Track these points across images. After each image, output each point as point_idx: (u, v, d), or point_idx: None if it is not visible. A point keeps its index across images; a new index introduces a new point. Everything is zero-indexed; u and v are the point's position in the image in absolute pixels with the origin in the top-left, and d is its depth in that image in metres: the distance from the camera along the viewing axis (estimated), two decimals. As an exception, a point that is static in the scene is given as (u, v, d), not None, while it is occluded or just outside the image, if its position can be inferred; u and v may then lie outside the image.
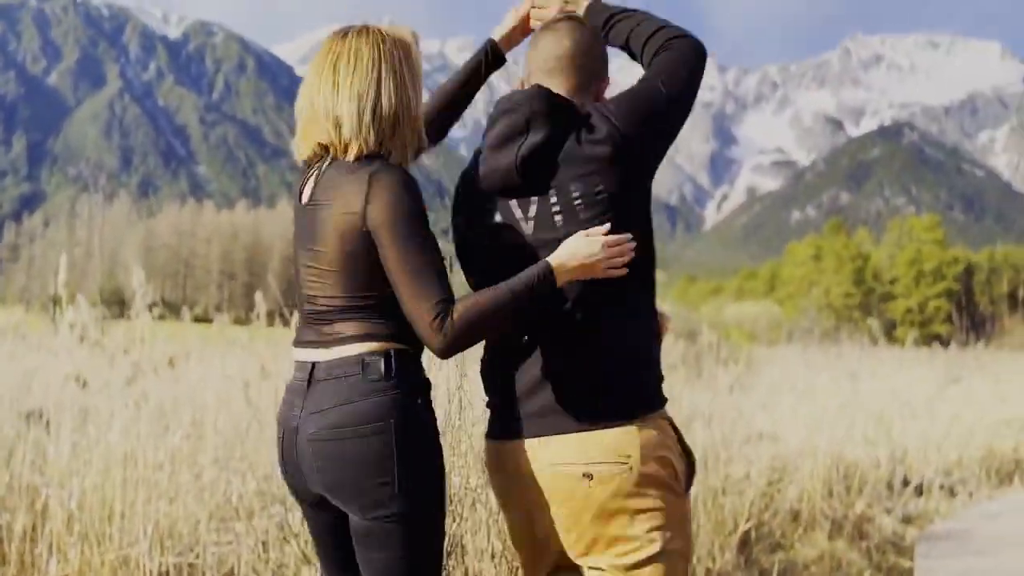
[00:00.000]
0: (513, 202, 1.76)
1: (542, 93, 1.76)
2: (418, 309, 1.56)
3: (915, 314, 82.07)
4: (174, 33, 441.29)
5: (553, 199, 1.71)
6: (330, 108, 1.69)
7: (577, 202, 1.70)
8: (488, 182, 1.80)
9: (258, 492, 3.46)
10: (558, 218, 1.71)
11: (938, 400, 8.67)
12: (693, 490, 3.83)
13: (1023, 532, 4.22)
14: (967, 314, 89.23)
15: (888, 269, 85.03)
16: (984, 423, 7.91)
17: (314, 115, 1.73)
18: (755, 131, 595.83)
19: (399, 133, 1.71)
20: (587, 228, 1.66)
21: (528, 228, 1.73)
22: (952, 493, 6.46)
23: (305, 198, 1.83)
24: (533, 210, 1.74)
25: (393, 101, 1.70)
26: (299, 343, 1.75)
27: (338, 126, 1.69)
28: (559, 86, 1.82)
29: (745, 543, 4.06)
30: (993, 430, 7.83)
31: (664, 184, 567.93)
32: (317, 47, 1.73)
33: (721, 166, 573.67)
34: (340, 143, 1.69)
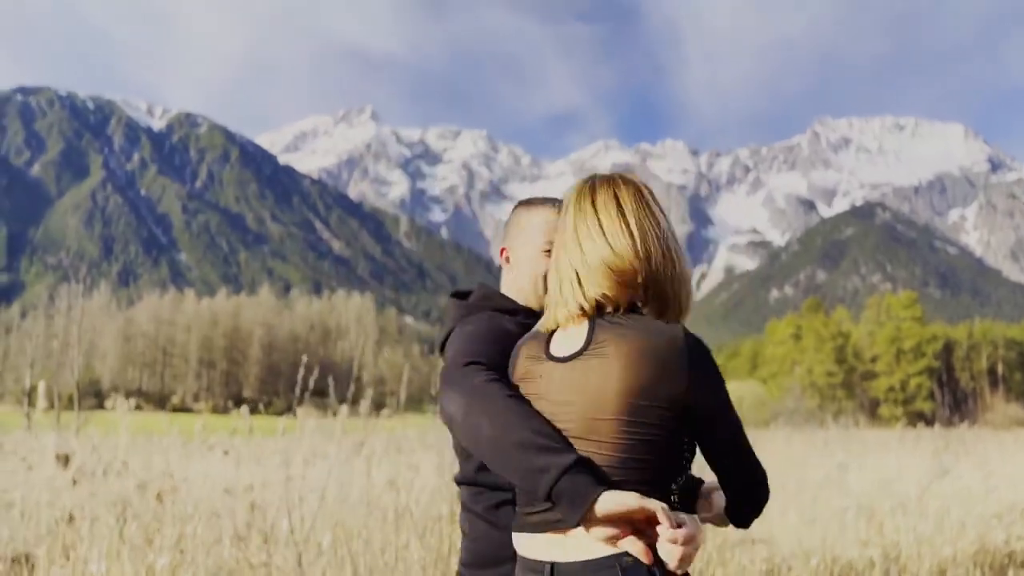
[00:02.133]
0: None
1: None
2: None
3: (897, 392, 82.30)
4: (158, 124, 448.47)
5: None
6: None
7: None
8: None
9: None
10: None
11: (929, 493, 8.62)
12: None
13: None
14: (949, 391, 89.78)
15: (868, 347, 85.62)
16: (975, 515, 7.84)
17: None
18: (729, 212, 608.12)
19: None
20: None
21: None
22: (947, 592, 6.36)
23: None
24: None
25: None
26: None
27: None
28: None
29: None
30: (985, 522, 7.75)
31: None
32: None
33: (699, 246, 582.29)
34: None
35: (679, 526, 1.40)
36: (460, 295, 1.93)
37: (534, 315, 1.79)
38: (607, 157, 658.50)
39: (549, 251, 1.80)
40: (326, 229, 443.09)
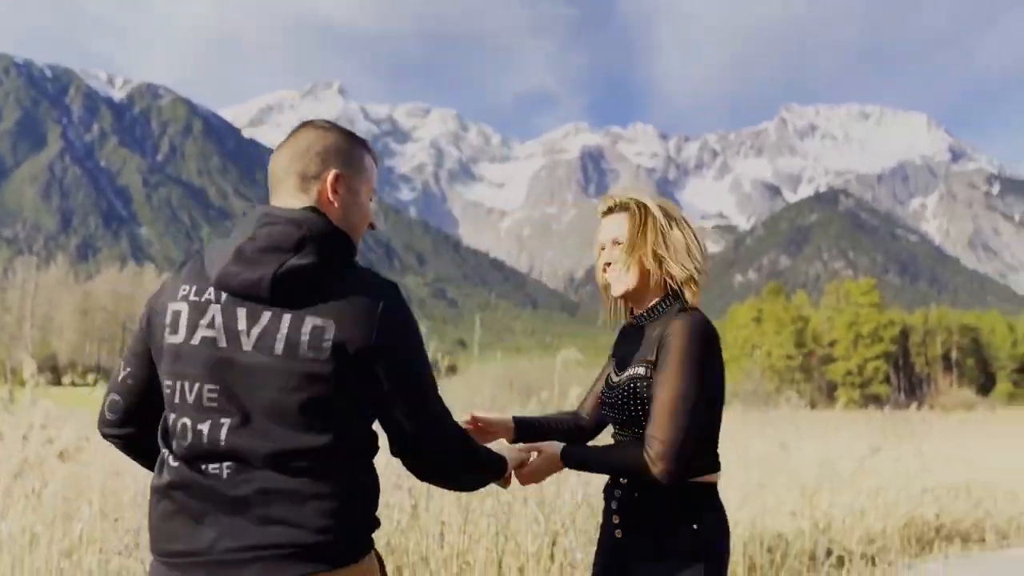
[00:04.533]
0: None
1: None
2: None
3: (854, 376, 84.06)
4: (119, 95, 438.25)
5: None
6: None
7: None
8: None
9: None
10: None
11: (864, 468, 8.89)
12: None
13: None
14: (904, 375, 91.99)
15: (827, 332, 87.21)
16: (908, 491, 8.12)
17: None
18: (697, 196, 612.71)
19: None
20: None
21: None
22: (873, 563, 6.59)
23: None
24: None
25: None
26: None
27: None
28: None
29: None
30: (916, 498, 8.04)
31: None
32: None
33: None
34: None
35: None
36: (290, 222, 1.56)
37: None
38: (577, 139, 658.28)
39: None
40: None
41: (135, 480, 4.94)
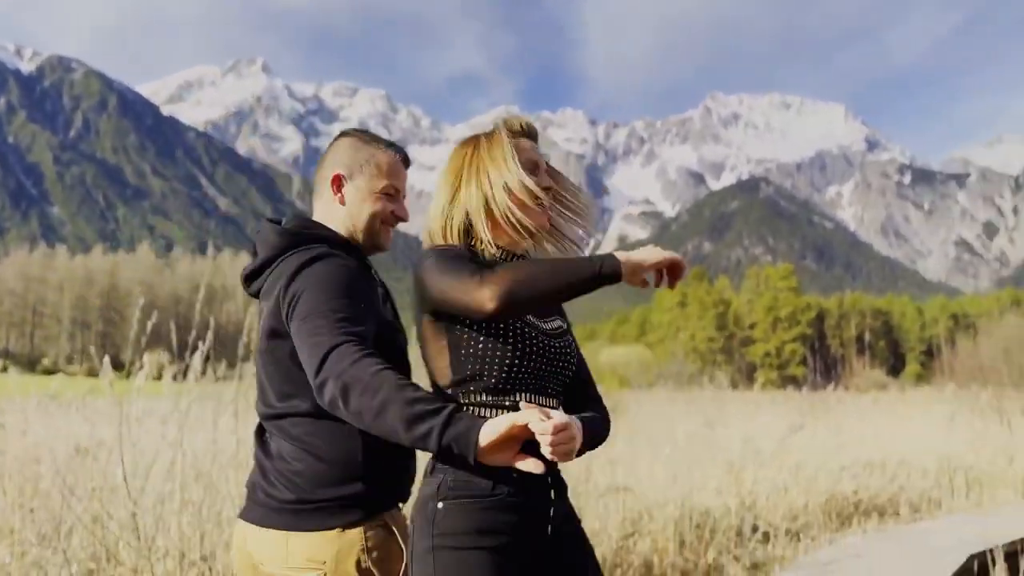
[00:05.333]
0: None
1: None
2: None
3: (773, 357, 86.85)
4: (28, 67, 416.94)
5: None
6: None
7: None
8: None
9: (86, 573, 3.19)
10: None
11: (786, 447, 9.13)
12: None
13: (855, 577, 4.45)
14: (820, 357, 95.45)
15: (747, 315, 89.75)
16: (827, 468, 8.37)
17: None
18: (624, 183, 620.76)
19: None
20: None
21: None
22: (797, 538, 6.76)
23: None
24: None
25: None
26: None
27: None
28: None
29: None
30: (835, 475, 8.29)
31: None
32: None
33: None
34: None
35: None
36: (277, 222, 1.85)
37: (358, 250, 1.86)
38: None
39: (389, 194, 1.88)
40: (212, 185, 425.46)
41: (54, 468, 4.66)
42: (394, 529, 1.72)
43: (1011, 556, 5.16)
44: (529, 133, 1.77)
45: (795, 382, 55.88)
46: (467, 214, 1.65)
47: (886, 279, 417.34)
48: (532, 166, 1.70)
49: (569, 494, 1.60)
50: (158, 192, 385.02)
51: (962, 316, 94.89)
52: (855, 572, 4.60)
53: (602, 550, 4.23)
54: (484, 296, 1.45)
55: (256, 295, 1.84)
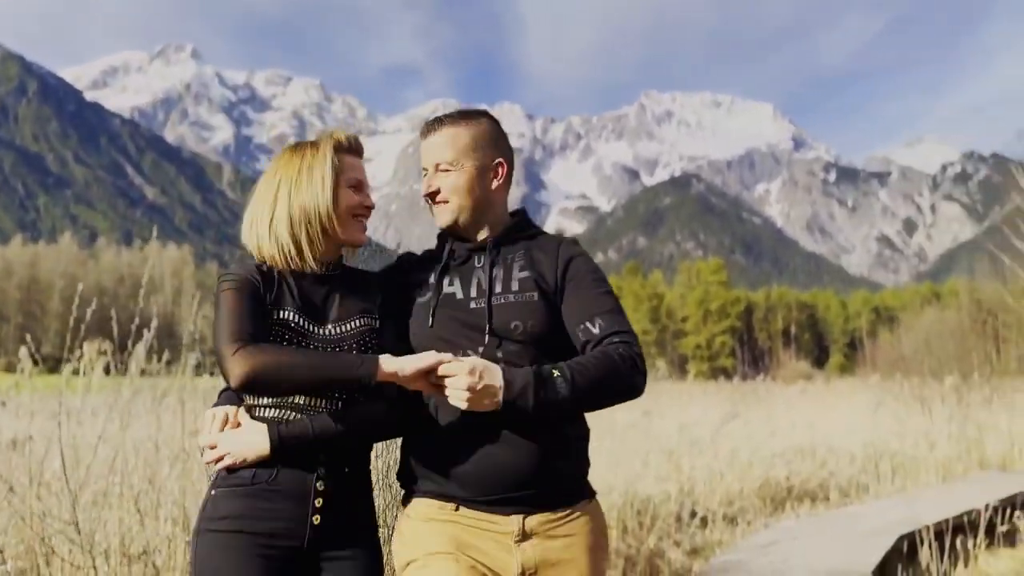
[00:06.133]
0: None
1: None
2: None
3: (703, 349, 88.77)
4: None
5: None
6: None
7: None
8: None
9: None
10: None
11: (721, 435, 9.36)
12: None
13: (792, 561, 4.59)
14: (748, 349, 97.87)
15: (680, 308, 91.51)
16: (760, 455, 8.62)
17: None
18: (561, 178, 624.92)
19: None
20: None
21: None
22: (733, 523, 6.95)
23: None
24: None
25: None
26: None
27: None
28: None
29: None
30: (768, 461, 8.54)
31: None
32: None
33: (532, 209, 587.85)
34: None
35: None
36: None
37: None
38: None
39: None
40: (138, 174, 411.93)
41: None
42: None
43: (938, 536, 5.41)
44: (356, 149, 1.86)
45: (725, 373, 57.25)
46: (291, 223, 1.75)
47: (811, 274, 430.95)
48: (357, 184, 1.81)
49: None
50: (81, 181, 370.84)
51: (883, 309, 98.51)
52: (792, 554, 4.76)
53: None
54: (232, 370, 1.57)
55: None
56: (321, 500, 1.67)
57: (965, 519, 5.91)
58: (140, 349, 3.93)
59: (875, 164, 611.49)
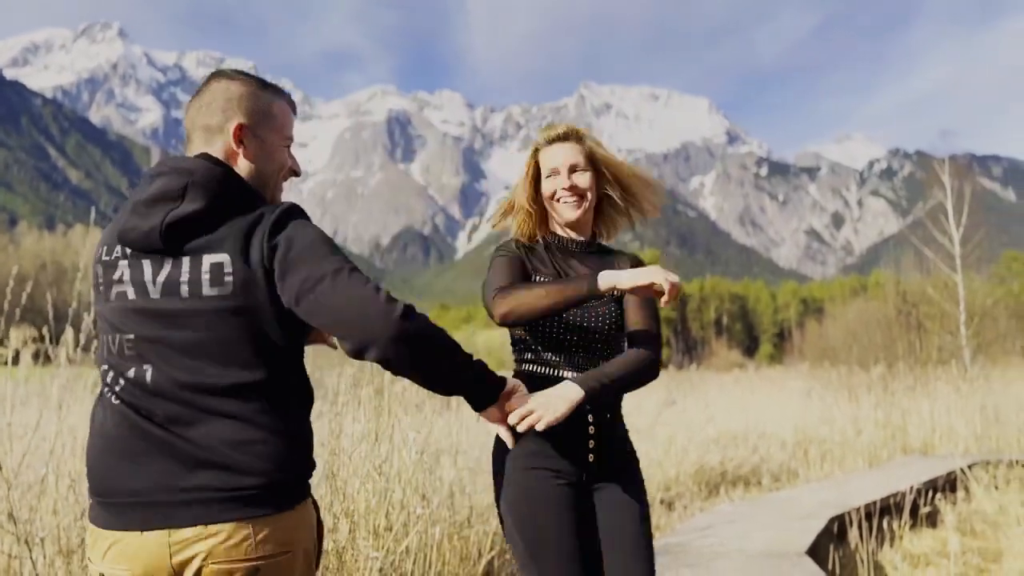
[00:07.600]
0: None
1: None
2: None
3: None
4: None
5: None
6: None
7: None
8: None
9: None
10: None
11: (658, 422, 9.53)
12: (440, 525, 3.82)
13: (729, 544, 4.71)
14: (682, 338, 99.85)
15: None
16: (696, 441, 8.82)
17: None
18: (501, 167, 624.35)
19: None
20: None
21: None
22: (670, 507, 7.10)
23: None
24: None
25: None
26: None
27: None
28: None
29: (489, 573, 4.14)
30: (703, 447, 8.74)
31: (418, 214, 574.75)
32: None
33: (472, 198, 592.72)
34: None
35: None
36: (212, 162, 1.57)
37: None
38: (384, 102, 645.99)
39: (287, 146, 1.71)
40: (62, 156, 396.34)
41: None
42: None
43: (867, 517, 5.62)
44: (566, 137, 2.20)
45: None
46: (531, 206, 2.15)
47: (743, 266, 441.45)
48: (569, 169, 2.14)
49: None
50: (0, 162, 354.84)
51: (811, 300, 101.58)
52: (729, 537, 4.88)
53: (485, 528, 4.28)
54: (494, 310, 1.91)
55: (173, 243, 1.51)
56: (593, 442, 1.98)
57: (891, 501, 6.15)
58: (68, 337, 3.80)
59: (805, 159, 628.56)
